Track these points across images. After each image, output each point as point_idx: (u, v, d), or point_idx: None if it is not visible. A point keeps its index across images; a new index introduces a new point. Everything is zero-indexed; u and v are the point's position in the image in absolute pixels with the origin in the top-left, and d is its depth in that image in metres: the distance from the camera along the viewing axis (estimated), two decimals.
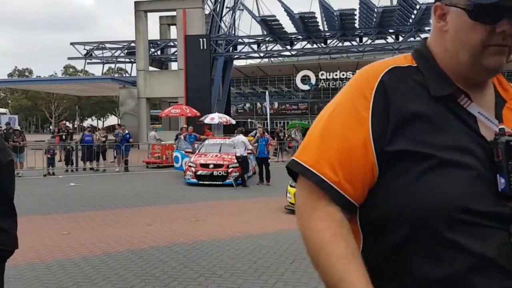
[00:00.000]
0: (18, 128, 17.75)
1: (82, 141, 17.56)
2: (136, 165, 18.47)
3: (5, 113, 29.89)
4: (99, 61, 37.94)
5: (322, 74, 46.82)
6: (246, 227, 7.86)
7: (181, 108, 23.19)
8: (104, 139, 17.84)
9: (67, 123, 41.18)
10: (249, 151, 13.96)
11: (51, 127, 65.05)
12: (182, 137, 17.51)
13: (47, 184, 13.85)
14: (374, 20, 31.97)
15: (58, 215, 9.06)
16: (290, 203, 8.99)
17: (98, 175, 16.60)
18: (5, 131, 16.74)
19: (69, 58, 37.52)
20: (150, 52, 34.19)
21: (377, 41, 34.92)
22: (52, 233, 7.45)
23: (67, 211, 9.48)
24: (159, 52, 36.40)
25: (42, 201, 10.63)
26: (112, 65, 44.87)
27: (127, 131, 18.57)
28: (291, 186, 8.97)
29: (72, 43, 35.89)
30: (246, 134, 23.45)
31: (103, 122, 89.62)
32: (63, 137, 19.08)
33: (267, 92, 38.72)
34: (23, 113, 77.52)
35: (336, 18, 31.66)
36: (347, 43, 35.07)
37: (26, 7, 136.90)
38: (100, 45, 36.34)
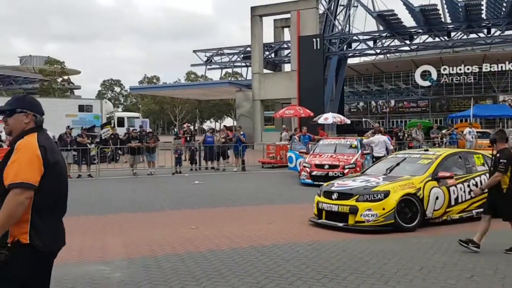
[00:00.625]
0: (151, 130, 19.46)
1: (204, 142, 18.70)
2: (252, 165, 19.10)
3: (138, 117, 33.06)
4: (218, 66, 40.06)
5: (444, 69, 43.64)
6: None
7: (295, 109, 23.42)
8: (223, 140, 18.76)
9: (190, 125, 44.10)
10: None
11: (175, 129, 70.31)
12: (296, 137, 17.69)
13: (175, 181, 15.00)
14: (504, 9, 29.01)
15: (186, 210, 9.77)
16: (314, 214, 8.21)
17: (219, 174, 17.51)
18: (139, 133, 18.47)
19: (192, 65, 40.25)
20: (265, 55, 35.12)
21: (507, 32, 31.60)
22: (182, 227, 8.05)
23: (194, 207, 10.17)
24: (273, 55, 37.22)
25: (172, 197, 11.55)
26: (229, 70, 47.10)
27: (242, 132, 19.31)
28: (318, 195, 8.29)
29: (194, 51, 38.46)
30: (362, 134, 22.85)
31: (220, 124, 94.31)
32: (188, 138, 20.52)
33: (387, 90, 37.34)
34: (151, 117, 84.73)
35: (460, 9, 29.34)
36: (472, 35, 32.35)
37: (153, 19, 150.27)
38: (219, 51, 38.33)
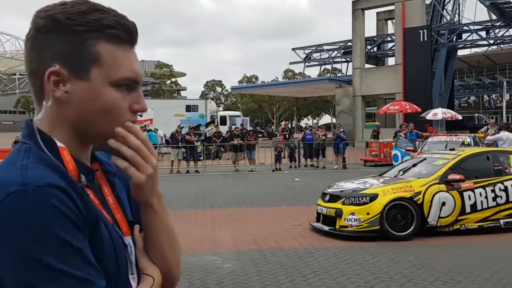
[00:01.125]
0: (252, 129, 19.90)
1: (303, 140, 18.71)
2: (354, 163, 18.67)
3: (239, 116, 34.05)
4: (317, 63, 39.82)
5: None
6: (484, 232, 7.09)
7: (400, 104, 22.38)
8: (324, 137, 18.60)
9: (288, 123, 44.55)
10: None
11: (272, 127, 71.38)
12: (402, 134, 16.91)
13: (275, 178, 15.23)
14: None
15: (287, 207, 9.85)
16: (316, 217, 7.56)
17: (318, 171, 17.41)
18: (240, 131, 19.00)
19: (290, 63, 40.57)
20: (366, 49, 34.12)
21: None
22: (285, 223, 8.15)
23: (295, 204, 10.23)
24: (375, 49, 36.03)
25: (274, 193, 11.74)
26: (328, 66, 46.59)
27: (342, 129, 18.92)
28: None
29: (293, 49, 38.66)
30: (474, 130, 21.18)
31: (318, 121, 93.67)
32: (286, 136, 20.70)
33: (504, 83, 34.19)
34: (250, 115, 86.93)
35: None
36: None
37: (252, 20, 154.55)
38: (318, 48, 38.06)
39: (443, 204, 6.98)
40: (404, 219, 6.87)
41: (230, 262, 5.72)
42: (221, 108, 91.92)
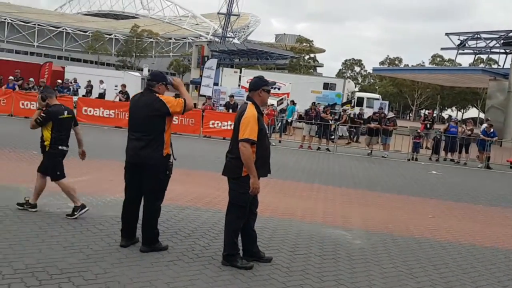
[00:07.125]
0: (391, 115, 19.24)
1: (446, 132, 17.65)
2: (499, 164, 17.11)
3: (378, 99, 33.05)
4: (471, 51, 36.60)
5: None
6: None
7: None
8: (469, 132, 17.34)
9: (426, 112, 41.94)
10: None
11: (410, 115, 67.93)
12: None
13: (410, 168, 14.77)
14: None
15: (422, 199, 9.60)
16: None
17: (459, 167, 16.38)
18: (378, 116, 18.44)
19: (442, 49, 38.05)
20: None
21: None
22: (418, 213, 8.10)
23: (431, 196, 9.92)
24: None
25: (408, 182, 11.51)
26: (483, 56, 42.39)
27: (492, 130, 17.33)
28: None
29: (447, 34, 35.98)
30: None
31: (463, 113, 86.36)
32: (428, 125, 19.72)
33: None
34: (387, 99, 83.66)
35: None
36: None
37: None
38: (475, 35, 34.88)
39: None
40: None
41: (360, 239, 5.95)
42: (356, 89, 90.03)
